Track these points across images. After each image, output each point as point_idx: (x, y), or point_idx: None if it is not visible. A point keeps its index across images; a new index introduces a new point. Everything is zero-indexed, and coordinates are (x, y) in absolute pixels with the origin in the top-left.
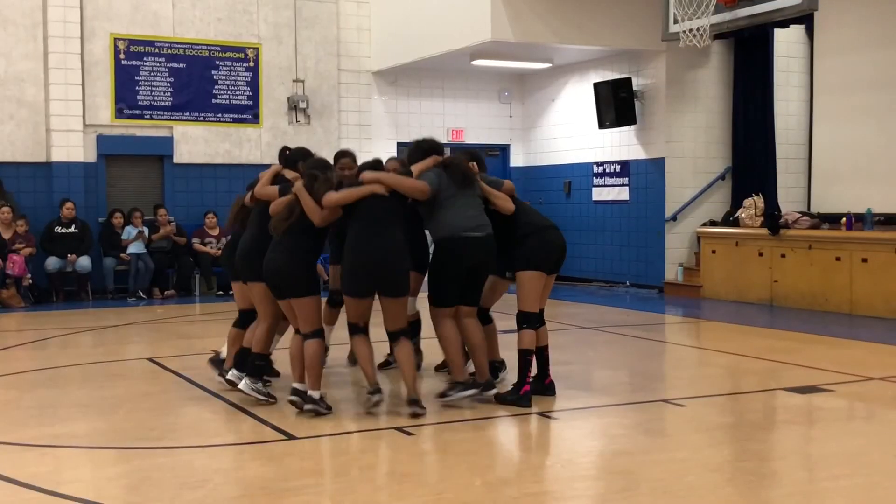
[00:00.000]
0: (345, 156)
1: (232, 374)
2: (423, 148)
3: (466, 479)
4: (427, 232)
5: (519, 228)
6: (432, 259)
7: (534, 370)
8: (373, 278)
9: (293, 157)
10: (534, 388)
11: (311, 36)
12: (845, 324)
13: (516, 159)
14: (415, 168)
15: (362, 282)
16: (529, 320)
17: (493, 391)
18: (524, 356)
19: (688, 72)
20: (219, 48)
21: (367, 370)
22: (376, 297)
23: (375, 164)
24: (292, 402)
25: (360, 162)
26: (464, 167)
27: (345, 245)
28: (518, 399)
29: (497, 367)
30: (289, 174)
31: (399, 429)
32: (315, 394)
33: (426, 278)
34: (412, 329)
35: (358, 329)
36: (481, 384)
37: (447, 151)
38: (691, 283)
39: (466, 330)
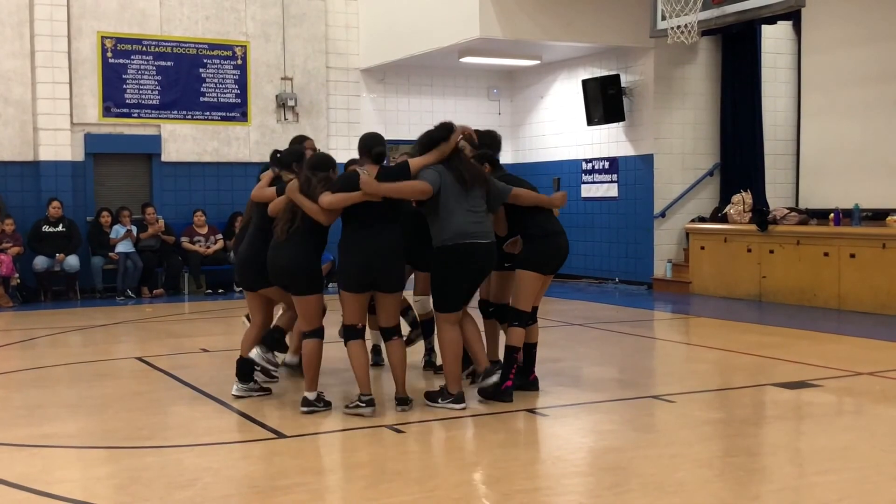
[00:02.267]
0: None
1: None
2: (423, 143)
3: (457, 477)
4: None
5: (529, 227)
6: (437, 265)
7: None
8: (369, 275)
9: (285, 161)
10: (517, 382)
11: (299, 33)
12: (833, 319)
13: (505, 156)
14: (413, 163)
15: (359, 278)
16: (521, 318)
17: (493, 379)
18: (511, 353)
19: (676, 68)
20: (207, 46)
21: (361, 378)
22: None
23: (402, 169)
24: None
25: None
26: (466, 169)
27: (340, 243)
28: (500, 394)
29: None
30: (287, 176)
31: (390, 426)
32: (311, 395)
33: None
34: (426, 328)
35: (355, 332)
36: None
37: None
38: (680, 279)
39: (462, 323)
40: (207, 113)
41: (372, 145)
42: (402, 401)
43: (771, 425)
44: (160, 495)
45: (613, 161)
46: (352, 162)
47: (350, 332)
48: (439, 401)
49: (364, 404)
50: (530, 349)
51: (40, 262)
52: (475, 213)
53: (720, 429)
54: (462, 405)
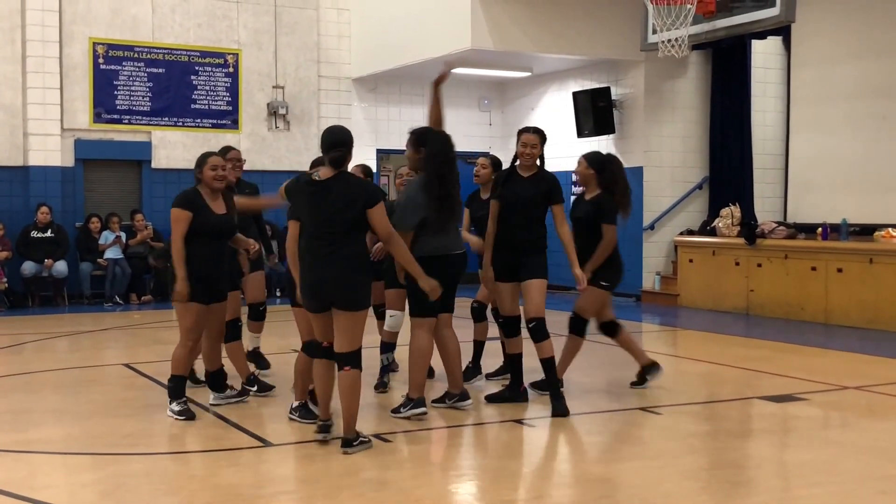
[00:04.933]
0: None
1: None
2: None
3: (443, 487)
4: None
5: (545, 238)
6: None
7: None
8: (323, 295)
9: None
10: (507, 395)
11: (291, 42)
12: (820, 333)
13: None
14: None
15: (314, 297)
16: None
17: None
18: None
19: (666, 82)
20: (198, 53)
21: (322, 400)
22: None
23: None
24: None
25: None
26: (456, 208)
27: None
28: (518, 395)
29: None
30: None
31: (377, 435)
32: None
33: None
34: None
35: (322, 350)
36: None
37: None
38: (668, 291)
39: (444, 339)
40: (198, 120)
41: (331, 146)
42: (346, 442)
43: (757, 438)
44: (146, 502)
45: None
46: (316, 162)
47: (314, 349)
48: (402, 410)
49: (320, 430)
50: (518, 360)
51: (28, 267)
52: (454, 229)
53: (706, 441)
54: (423, 409)
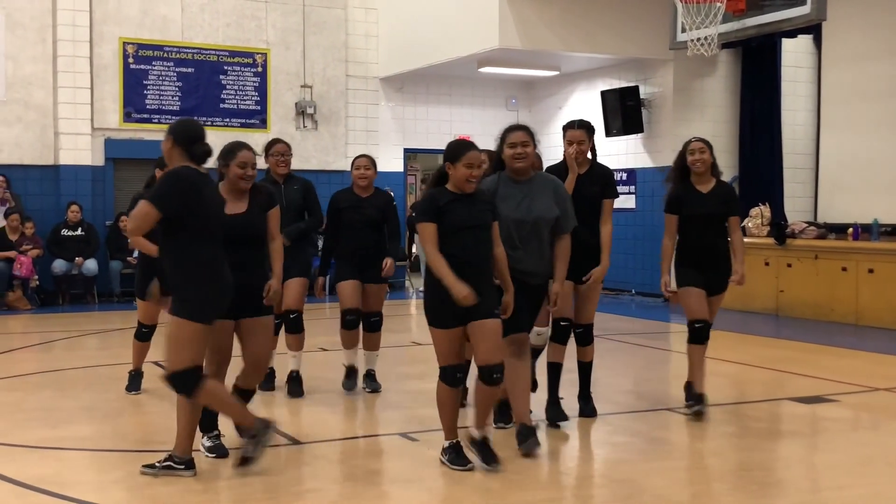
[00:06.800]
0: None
1: None
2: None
3: (471, 485)
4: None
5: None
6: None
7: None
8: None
9: None
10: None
11: (318, 42)
12: (851, 334)
13: None
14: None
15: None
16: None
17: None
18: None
19: (695, 80)
20: (227, 53)
21: (231, 414)
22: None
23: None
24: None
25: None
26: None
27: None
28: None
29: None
30: None
31: (402, 434)
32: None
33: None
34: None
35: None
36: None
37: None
38: None
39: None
40: (227, 120)
41: (194, 139)
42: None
43: (786, 440)
44: (175, 500)
45: (631, 172)
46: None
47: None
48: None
49: (182, 465)
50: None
51: (59, 265)
52: None
53: (735, 442)
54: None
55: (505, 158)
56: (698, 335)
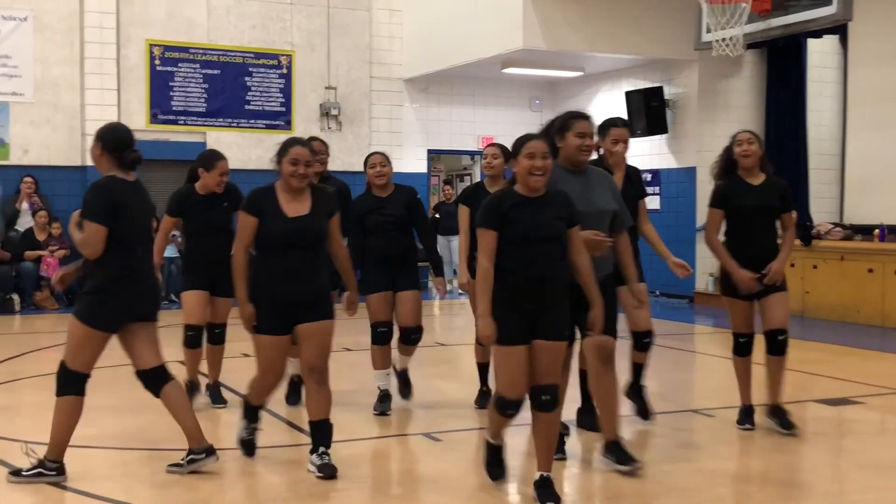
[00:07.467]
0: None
1: None
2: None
3: (494, 484)
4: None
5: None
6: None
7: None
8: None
9: None
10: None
11: (343, 43)
12: (877, 336)
13: None
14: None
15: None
16: None
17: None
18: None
19: (720, 81)
20: (252, 55)
21: (185, 425)
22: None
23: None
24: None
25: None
26: None
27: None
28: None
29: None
30: None
31: (425, 434)
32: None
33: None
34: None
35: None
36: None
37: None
38: None
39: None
40: (252, 121)
41: (122, 146)
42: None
43: (811, 442)
44: (202, 497)
45: (656, 173)
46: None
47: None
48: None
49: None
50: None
51: None
52: None
53: (760, 444)
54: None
55: (567, 147)
56: (740, 349)
